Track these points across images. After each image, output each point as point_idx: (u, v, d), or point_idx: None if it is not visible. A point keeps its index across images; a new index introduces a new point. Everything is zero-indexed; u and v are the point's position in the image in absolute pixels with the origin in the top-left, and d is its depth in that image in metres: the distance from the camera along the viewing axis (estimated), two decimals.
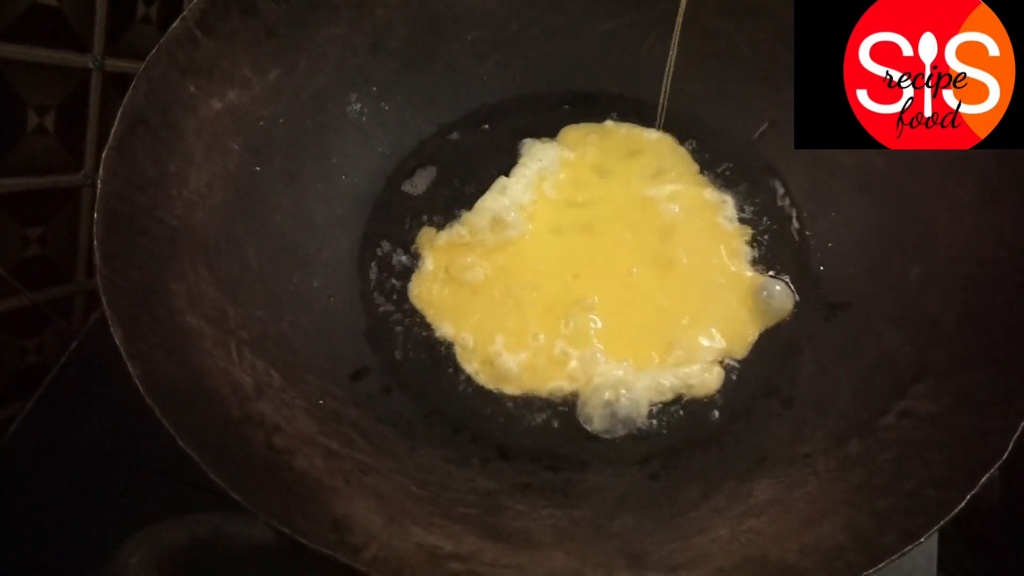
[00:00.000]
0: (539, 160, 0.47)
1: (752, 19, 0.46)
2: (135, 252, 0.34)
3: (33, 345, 0.49)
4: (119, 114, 0.35)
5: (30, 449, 0.47)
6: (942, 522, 0.27)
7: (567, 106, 0.50)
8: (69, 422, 0.47)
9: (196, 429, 0.29)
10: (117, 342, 0.29)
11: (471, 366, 0.41)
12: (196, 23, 0.38)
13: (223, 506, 0.28)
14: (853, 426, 0.34)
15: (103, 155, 0.34)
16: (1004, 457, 0.28)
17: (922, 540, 0.27)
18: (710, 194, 0.46)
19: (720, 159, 0.48)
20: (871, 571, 0.26)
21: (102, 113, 0.48)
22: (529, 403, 0.40)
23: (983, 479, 0.28)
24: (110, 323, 0.30)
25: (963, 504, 0.27)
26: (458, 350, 0.41)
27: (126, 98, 0.36)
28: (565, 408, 0.40)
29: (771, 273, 0.43)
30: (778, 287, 0.42)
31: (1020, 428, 0.29)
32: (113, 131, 0.35)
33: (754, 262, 0.44)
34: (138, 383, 0.28)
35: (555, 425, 0.39)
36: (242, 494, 0.26)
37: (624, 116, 0.49)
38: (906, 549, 0.27)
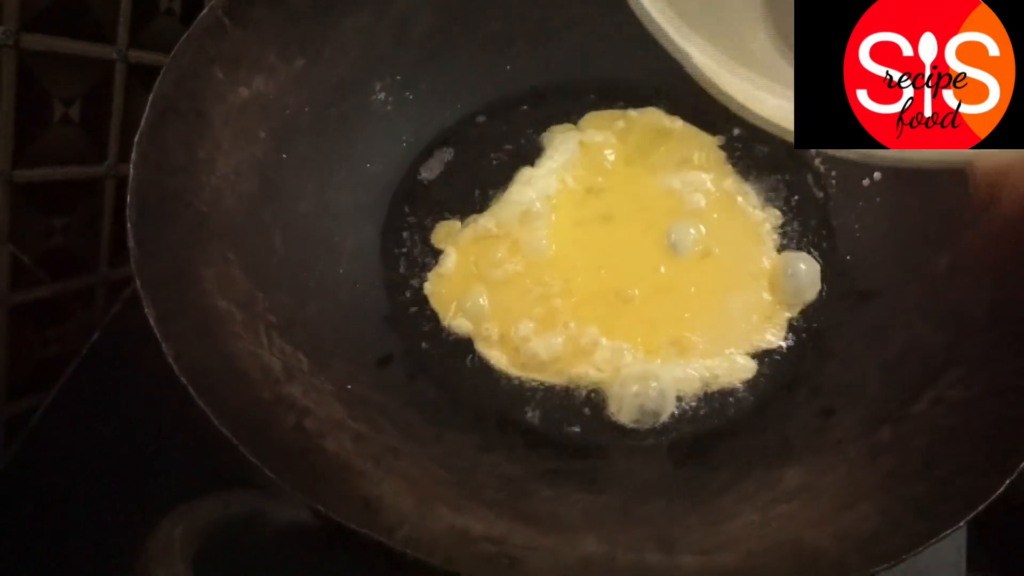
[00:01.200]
0: (562, 150, 0.47)
1: None
2: (166, 236, 0.34)
3: (55, 335, 0.49)
4: (150, 100, 0.35)
5: (53, 438, 0.47)
6: (979, 508, 0.27)
7: (592, 95, 0.50)
8: (91, 411, 0.47)
9: (229, 410, 0.29)
10: (152, 323, 0.29)
11: (494, 355, 0.41)
12: (224, 11, 0.38)
13: None
14: (883, 414, 0.34)
15: (135, 140, 0.34)
16: None
17: (961, 524, 0.27)
18: (734, 182, 0.45)
19: (745, 147, 0.47)
20: (909, 555, 0.26)
21: (126, 104, 0.48)
22: (555, 391, 0.40)
23: (1019, 467, 0.28)
24: (144, 305, 0.30)
25: (1000, 491, 0.27)
26: (481, 340, 0.41)
27: (156, 85, 0.36)
28: (592, 397, 0.39)
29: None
30: (803, 265, 0.42)
31: None
32: (144, 117, 0.35)
33: (780, 250, 0.43)
34: (172, 364, 0.28)
35: (582, 413, 0.39)
36: (277, 473, 0.26)
37: (648, 103, 0.49)
38: (944, 533, 0.26)
